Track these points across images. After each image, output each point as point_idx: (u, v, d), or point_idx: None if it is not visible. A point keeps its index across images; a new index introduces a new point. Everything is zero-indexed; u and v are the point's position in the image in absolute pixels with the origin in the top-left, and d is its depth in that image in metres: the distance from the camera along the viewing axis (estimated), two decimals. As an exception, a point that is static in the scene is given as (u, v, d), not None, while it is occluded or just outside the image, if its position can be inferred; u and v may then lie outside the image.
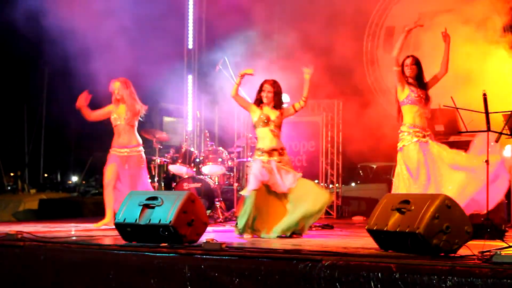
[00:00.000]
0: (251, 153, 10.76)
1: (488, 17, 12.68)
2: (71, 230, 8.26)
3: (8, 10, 11.01)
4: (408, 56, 7.59)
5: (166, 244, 5.74)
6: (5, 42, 12.04)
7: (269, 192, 7.52)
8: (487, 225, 6.80)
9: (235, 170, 10.94)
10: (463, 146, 8.92)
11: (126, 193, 8.05)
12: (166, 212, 5.87)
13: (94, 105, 8.99)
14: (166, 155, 11.25)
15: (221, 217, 10.12)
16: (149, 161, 11.82)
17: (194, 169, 10.84)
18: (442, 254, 4.93)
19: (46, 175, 20.38)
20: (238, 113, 12.08)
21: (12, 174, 19.98)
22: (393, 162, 13.39)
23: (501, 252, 4.53)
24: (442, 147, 7.43)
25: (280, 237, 7.26)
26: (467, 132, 7.24)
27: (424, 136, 7.37)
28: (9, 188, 17.03)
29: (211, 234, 7.30)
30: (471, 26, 10.57)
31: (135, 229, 6.03)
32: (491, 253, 4.54)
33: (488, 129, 6.76)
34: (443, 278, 4.11)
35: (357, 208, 12.42)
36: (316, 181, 12.72)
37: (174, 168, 11.03)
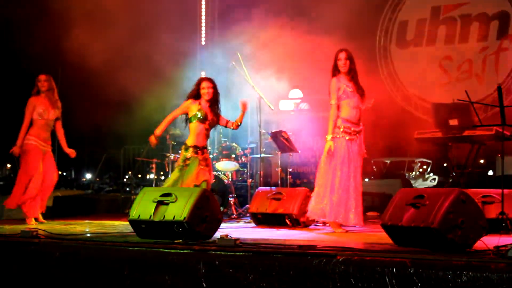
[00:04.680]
0: (264, 148, 10.77)
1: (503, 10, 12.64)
2: (86, 227, 8.29)
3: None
4: (341, 50, 7.62)
5: (180, 241, 5.75)
6: (19, 40, 12.11)
7: None
8: (502, 220, 6.77)
9: (248, 166, 10.95)
10: (478, 140, 8.88)
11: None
12: (180, 208, 5.88)
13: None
14: (179, 151, 11.26)
15: (235, 213, 10.13)
16: (162, 158, 11.86)
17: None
18: (457, 249, 4.90)
19: (60, 172, 20.47)
20: (251, 109, 12.08)
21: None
22: (407, 158, 13.44)
23: (517, 246, 4.51)
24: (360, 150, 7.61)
25: None
26: (481, 126, 7.19)
27: (352, 133, 7.51)
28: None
29: (225, 230, 7.31)
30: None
31: (149, 225, 6.04)
32: (506, 248, 4.52)
33: (503, 123, 6.71)
34: (458, 273, 4.09)
35: (370, 203, 12.39)
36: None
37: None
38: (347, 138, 7.48)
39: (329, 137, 7.47)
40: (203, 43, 14.36)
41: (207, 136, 7.91)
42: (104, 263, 5.44)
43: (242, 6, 12.71)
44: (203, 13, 14.37)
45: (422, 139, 9.37)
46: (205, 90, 7.81)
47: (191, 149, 7.74)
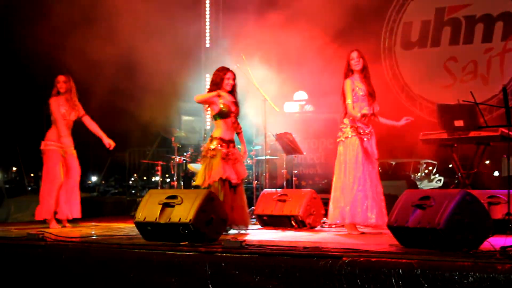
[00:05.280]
0: (269, 150, 10.77)
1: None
2: (92, 229, 8.30)
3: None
4: (352, 50, 7.61)
5: (186, 243, 5.76)
6: (26, 42, 12.13)
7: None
8: (508, 221, 6.76)
9: (254, 168, 10.94)
10: (483, 141, 8.87)
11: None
12: (186, 210, 5.89)
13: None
14: (185, 154, 11.28)
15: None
16: (168, 160, 11.88)
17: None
18: (464, 250, 4.90)
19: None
20: (256, 111, 12.07)
21: (32, 174, 20.09)
22: (412, 159, 13.42)
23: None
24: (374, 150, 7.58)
25: None
26: (487, 127, 7.18)
27: (364, 134, 7.45)
28: (29, 188, 17.14)
29: (231, 232, 7.32)
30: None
31: (155, 228, 6.05)
32: (513, 249, 4.52)
33: (509, 124, 6.70)
34: (464, 274, 4.08)
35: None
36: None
37: (193, 167, 11.06)
38: (360, 137, 7.44)
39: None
40: (207, 45, 14.37)
41: (234, 129, 7.76)
42: (110, 265, 5.46)
43: (247, 8, 12.71)
44: (207, 15, 14.37)
45: (427, 140, 9.35)
46: (230, 81, 7.68)
47: (215, 141, 7.58)
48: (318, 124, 12.76)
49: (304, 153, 11.33)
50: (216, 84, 7.70)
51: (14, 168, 19.99)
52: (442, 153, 9.60)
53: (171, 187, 12.18)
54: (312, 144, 12.73)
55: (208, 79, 14.20)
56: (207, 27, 14.38)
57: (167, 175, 14.65)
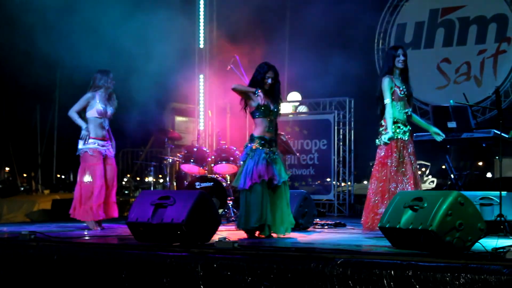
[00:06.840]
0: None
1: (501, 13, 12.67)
2: (84, 230, 8.27)
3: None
4: (401, 47, 7.44)
5: (178, 244, 5.75)
6: (19, 44, 12.11)
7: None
8: (500, 222, 6.77)
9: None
10: (476, 142, 8.90)
11: None
12: (178, 211, 5.87)
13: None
14: (178, 154, 11.27)
15: (233, 216, 10.12)
16: (161, 160, 11.87)
17: (206, 168, 10.85)
18: (455, 251, 4.90)
19: (58, 175, 20.47)
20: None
21: (25, 175, 20.08)
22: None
23: (515, 249, 4.51)
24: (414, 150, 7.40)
25: None
26: (480, 128, 7.19)
27: (404, 133, 7.30)
28: (22, 188, 17.12)
29: (224, 233, 7.30)
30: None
31: (147, 228, 6.03)
32: (504, 250, 4.52)
33: (501, 126, 6.72)
34: (456, 276, 4.09)
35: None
36: (328, 179, 12.75)
37: (186, 167, 11.05)
38: (399, 138, 7.21)
39: (387, 136, 7.16)
40: (201, 46, 14.34)
41: (274, 128, 7.35)
42: (102, 266, 5.44)
43: (241, 8, 12.71)
44: (201, 15, 14.35)
45: (420, 141, 9.37)
46: (269, 80, 7.22)
47: (257, 141, 7.18)
48: (311, 125, 12.78)
49: (297, 154, 11.34)
50: (256, 83, 7.26)
51: (7, 168, 19.97)
52: (435, 155, 9.62)
53: (164, 187, 12.17)
54: (305, 145, 12.75)
55: (201, 79, 14.21)
56: (201, 27, 14.35)
57: (160, 176, 14.64)
